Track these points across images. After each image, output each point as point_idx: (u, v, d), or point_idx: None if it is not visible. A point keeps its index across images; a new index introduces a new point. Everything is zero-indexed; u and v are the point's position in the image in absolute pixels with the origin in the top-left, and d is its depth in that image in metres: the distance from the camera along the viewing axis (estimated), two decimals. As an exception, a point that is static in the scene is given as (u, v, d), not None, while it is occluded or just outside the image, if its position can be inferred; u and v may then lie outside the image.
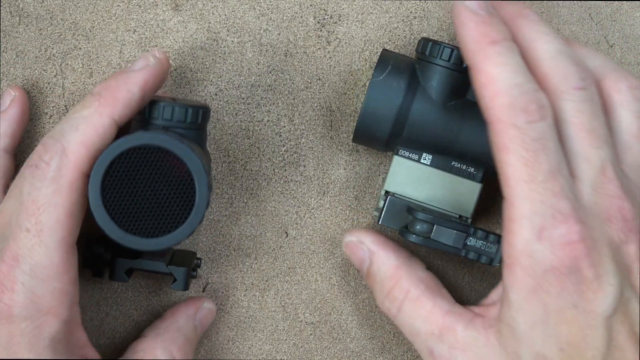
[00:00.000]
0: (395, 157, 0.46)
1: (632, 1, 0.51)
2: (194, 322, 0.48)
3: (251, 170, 0.50)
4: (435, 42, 0.45)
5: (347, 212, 0.51)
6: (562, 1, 0.51)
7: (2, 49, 0.49)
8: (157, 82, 0.43)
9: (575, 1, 0.51)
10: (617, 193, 0.41)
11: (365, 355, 0.51)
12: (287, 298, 0.51)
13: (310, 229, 0.50)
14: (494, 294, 0.44)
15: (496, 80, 0.40)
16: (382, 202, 0.46)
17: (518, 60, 0.40)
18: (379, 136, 0.45)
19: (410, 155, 0.46)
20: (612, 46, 0.51)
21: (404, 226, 0.45)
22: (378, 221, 0.46)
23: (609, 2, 0.51)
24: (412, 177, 0.46)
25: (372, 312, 0.51)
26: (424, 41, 0.46)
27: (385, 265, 0.46)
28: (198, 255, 0.50)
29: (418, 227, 0.44)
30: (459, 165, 0.46)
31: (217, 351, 0.50)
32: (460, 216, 0.46)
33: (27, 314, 0.40)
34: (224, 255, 0.50)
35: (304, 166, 0.50)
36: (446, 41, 0.49)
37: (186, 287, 0.46)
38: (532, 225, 0.39)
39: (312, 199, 0.50)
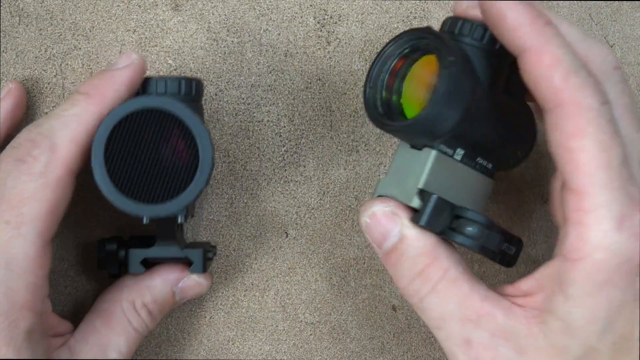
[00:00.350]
0: (434, 153, 0.41)
1: (632, 1, 0.51)
2: (171, 287, 0.47)
3: (251, 170, 0.50)
4: (465, 20, 0.41)
5: (347, 212, 0.51)
6: (562, 1, 0.51)
7: (2, 49, 0.48)
8: (140, 80, 0.43)
9: (575, 1, 0.51)
10: None
11: (365, 355, 0.51)
12: (287, 298, 0.51)
13: (310, 229, 0.50)
14: (525, 284, 0.40)
15: (564, 61, 0.37)
16: (416, 201, 0.41)
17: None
18: (441, 131, 0.40)
19: (447, 151, 0.41)
20: (612, 46, 0.51)
21: (449, 227, 0.41)
22: (418, 222, 0.40)
23: (609, 2, 0.51)
24: (446, 174, 0.41)
25: (372, 312, 0.51)
26: (462, 21, 0.41)
27: (421, 241, 0.41)
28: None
29: (470, 229, 0.40)
30: (482, 161, 0.42)
31: (217, 351, 0.50)
32: None
33: (2, 309, 0.40)
34: (224, 255, 0.50)
35: (304, 166, 0.50)
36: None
37: (205, 269, 0.45)
38: (611, 215, 0.36)
39: (312, 199, 0.50)
